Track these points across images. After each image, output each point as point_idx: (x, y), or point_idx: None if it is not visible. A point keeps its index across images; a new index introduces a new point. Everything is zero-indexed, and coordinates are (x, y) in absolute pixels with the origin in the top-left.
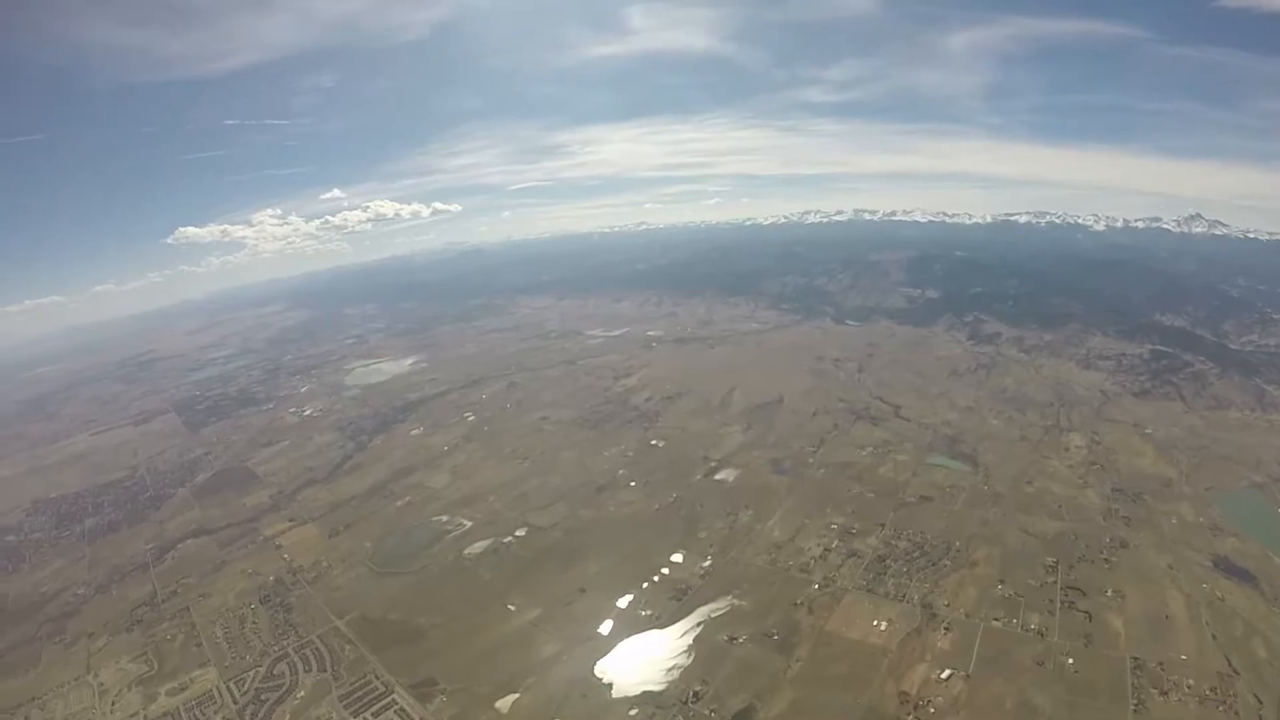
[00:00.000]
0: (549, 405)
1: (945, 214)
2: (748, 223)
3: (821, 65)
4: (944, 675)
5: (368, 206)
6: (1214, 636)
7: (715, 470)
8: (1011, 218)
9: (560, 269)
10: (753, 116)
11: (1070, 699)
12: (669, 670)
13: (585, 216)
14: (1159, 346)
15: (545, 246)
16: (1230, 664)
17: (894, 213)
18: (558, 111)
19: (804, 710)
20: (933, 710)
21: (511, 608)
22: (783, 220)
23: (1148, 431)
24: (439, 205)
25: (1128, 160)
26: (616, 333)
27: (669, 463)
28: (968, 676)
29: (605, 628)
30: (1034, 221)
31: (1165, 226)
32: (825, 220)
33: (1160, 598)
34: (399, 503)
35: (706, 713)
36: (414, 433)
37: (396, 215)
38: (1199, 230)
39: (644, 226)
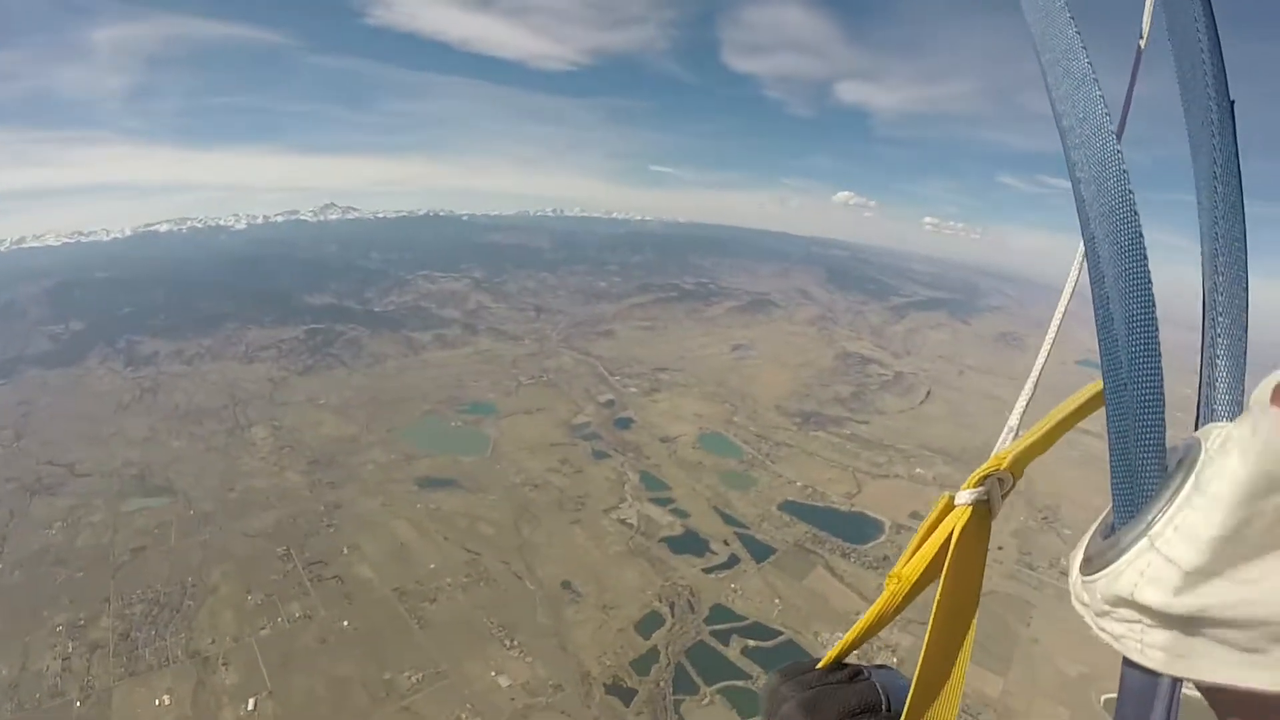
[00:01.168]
0: None
1: (82, 233)
2: None
3: None
4: (251, 707)
5: None
6: (446, 538)
7: None
8: (153, 228)
9: None
10: None
11: (367, 653)
12: None
13: None
14: (313, 325)
15: None
16: (469, 550)
17: (24, 239)
18: None
19: None
20: None
21: None
22: None
23: (322, 402)
24: None
25: (266, 159)
26: None
27: None
28: (271, 693)
29: None
30: (176, 229)
31: (303, 218)
32: None
33: (389, 532)
34: None
35: None
36: None
37: None
38: (334, 217)
39: None
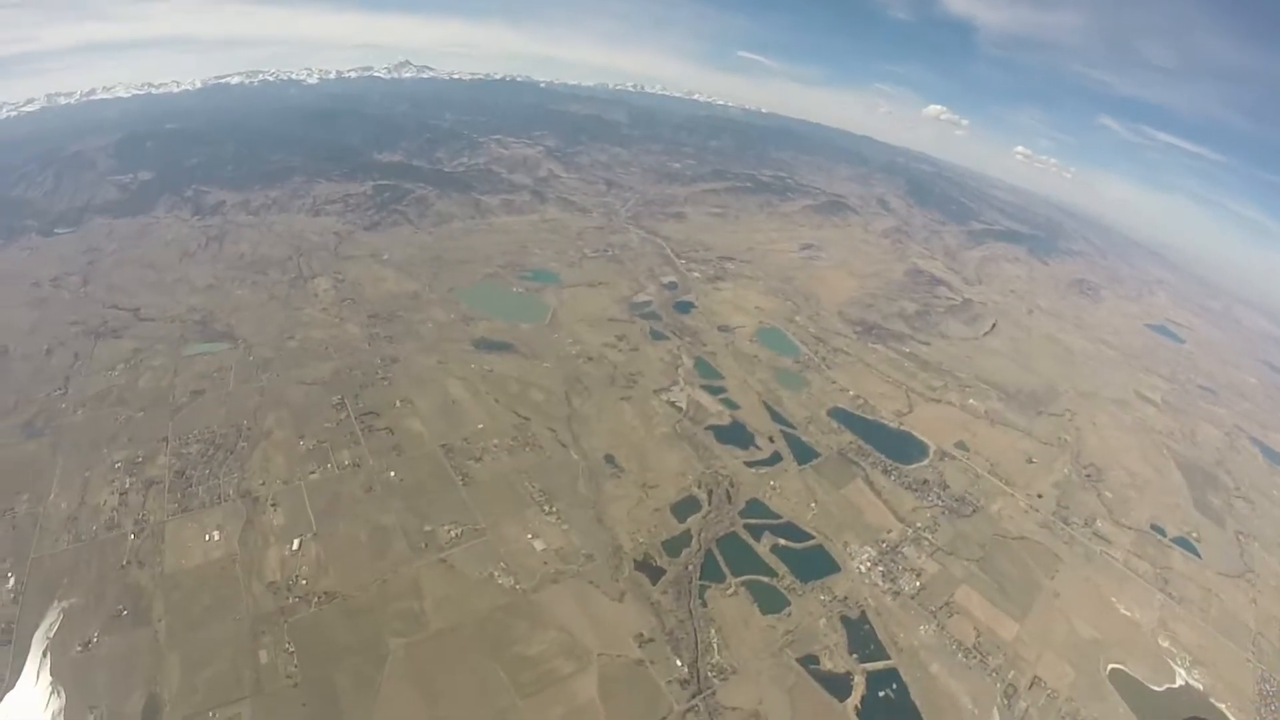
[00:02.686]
0: None
1: (151, 85)
2: None
3: None
4: (296, 547)
5: None
6: (497, 400)
7: None
8: (223, 80)
9: None
10: None
11: (410, 504)
12: None
13: None
14: (381, 181)
15: None
16: (518, 414)
17: (94, 91)
18: None
19: (196, 663)
20: (305, 582)
21: None
22: None
23: (385, 258)
24: None
25: (334, 16)
26: None
27: None
28: (316, 535)
29: None
30: (247, 82)
31: (377, 74)
32: (15, 114)
33: (442, 390)
34: None
35: None
36: None
37: None
38: (409, 75)
39: None
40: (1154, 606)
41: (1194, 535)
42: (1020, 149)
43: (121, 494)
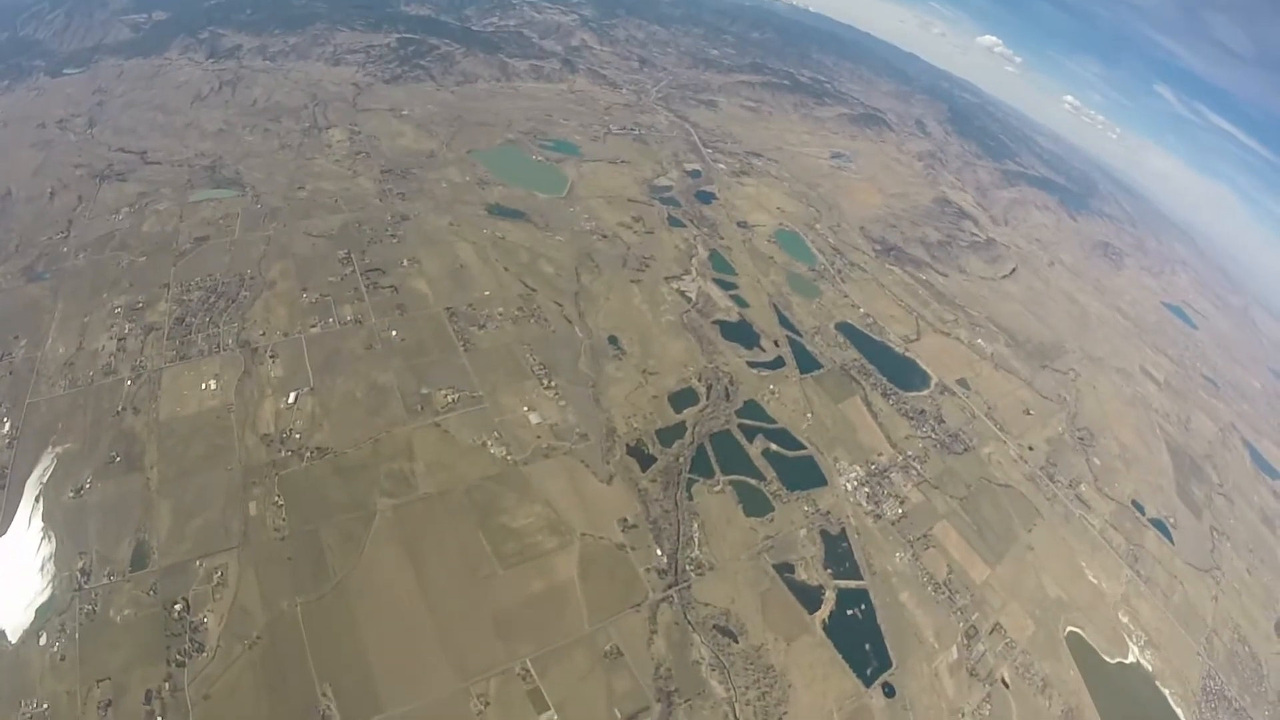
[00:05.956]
0: None
1: None
2: None
3: None
4: (291, 400)
5: None
6: (506, 269)
7: None
8: None
9: None
10: None
11: (409, 365)
12: (41, 570)
13: None
14: (405, 34)
15: None
16: (526, 285)
17: None
18: None
19: (186, 512)
20: (299, 436)
21: None
22: None
23: (404, 113)
24: None
25: None
26: None
27: None
28: (313, 390)
29: None
30: None
31: None
32: None
33: (451, 253)
34: None
35: (107, 580)
36: None
37: None
38: None
39: None
40: (1121, 580)
41: (1171, 520)
42: (1070, 98)
43: (120, 340)
